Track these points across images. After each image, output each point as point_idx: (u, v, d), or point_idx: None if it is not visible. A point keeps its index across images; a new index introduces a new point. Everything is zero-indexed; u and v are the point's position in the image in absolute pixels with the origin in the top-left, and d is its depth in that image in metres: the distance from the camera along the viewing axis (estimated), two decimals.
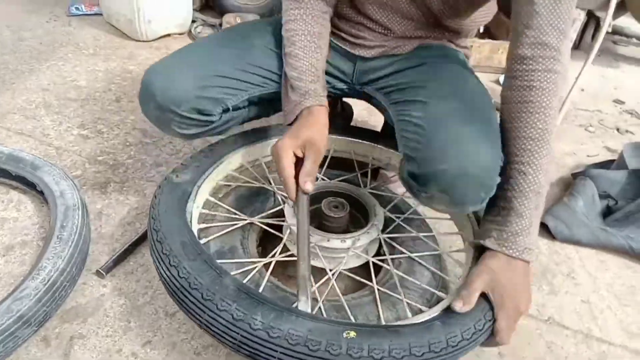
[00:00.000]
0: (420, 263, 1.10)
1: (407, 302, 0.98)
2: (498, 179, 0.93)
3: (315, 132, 0.97)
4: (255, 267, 1.01)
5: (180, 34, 2.40)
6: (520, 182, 0.91)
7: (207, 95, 1.05)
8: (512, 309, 0.88)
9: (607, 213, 1.47)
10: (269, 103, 1.18)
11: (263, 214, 1.17)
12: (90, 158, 1.46)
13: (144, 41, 2.28)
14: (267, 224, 1.15)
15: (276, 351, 0.77)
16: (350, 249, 1.05)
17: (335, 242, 1.05)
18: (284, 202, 1.16)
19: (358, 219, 1.19)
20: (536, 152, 0.91)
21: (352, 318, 0.94)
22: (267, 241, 1.19)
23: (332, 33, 1.16)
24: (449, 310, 0.88)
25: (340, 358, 0.75)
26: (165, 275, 0.87)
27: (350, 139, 1.34)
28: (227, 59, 1.09)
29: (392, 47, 1.15)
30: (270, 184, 1.23)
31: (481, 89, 1.09)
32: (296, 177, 0.94)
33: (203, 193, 1.11)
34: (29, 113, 1.64)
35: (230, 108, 1.11)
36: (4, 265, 1.12)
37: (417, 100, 1.03)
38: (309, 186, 0.93)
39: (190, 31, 2.43)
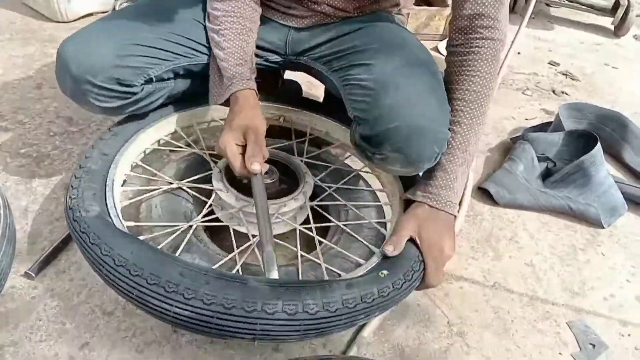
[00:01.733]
0: (345, 231, 1.09)
1: (326, 267, 0.98)
2: (448, 134, 0.95)
3: (248, 117, 0.98)
4: (178, 230, 0.99)
5: (103, 12, 2.26)
6: (449, 140, 0.96)
7: (127, 64, 1.00)
8: (438, 252, 0.95)
9: (546, 175, 1.49)
10: (196, 76, 1.14)
11: (190, 179, 1.12)
12: (12, 151, 1.36)
13: (64, 22, 2.13)
14: (196, 189, 1.11)
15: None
16: (275, 215, 1.03)
17: None
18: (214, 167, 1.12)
19: (290, 188, 1.15)
20: (467, 113, 0.97)
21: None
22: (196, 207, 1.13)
23: (262, 4, 1.11)
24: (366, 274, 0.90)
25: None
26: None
27: (288, 107, 1.32)
28: (150, 28, 1.04)
29: (326, 16, 1.11)
30: (201, 149, 1.20)
31: (420, 45, 1.10)
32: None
33: (128, 158, 1.08)
34: None
35: (154, 78, 1.05)
36: None
37: (361, 63, 1.02)
38: (255, 166, 0.94)
39: (114, 9, 2.30)
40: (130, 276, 0.78)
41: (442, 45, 2.27)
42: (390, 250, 0.93)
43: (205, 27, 1.09)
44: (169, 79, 1.11)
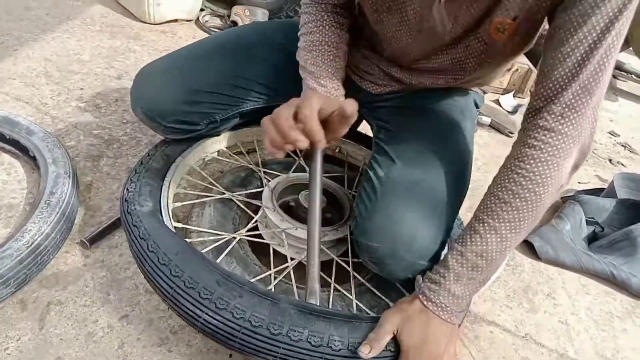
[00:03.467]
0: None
1: (357, 304, 0.98)
2: (428, 264, 0.89)
3: (314, 96, 0.87)
4: (222, 239, 1.02)
5: (187, 20, 2.40)
6: (466, 238, 0.82)
7: (195, 110, 1.05)
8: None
9: (592, 239, 1.48)
10: (262, 113, 1.14)
11: (242, 192, 1.16)
12: (86, 131, 1.45)
13: (151, 23, 2.27)
14: (245, 203, 1.15)
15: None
16: None
17: (303, 232, 1.04)
18: (265, 186, 1.16)
19: (334, 218, 1.18)
20: (496, 214, 0.80)
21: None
22: (243, 219, 1.17)
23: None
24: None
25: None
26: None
27: (342, 138, 1.34)
28: (221, 72, 1.06)
29: (402, 88, 1.12)
30: (257, 164, 1.24)
31: (461, 157, 1.02)
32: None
33: (187, 162, 1.12)
34: (29, 80, 1.63)
35: (219, 120, 1.10)
36: None
37: (390, 154, 1.00)
38: (301, 142, 0.81)
39: (197, 19, 2.43)
40: (170, 276, 0.82)
41: (504, 100, 2.29)
42: (366, 351, 0.78)
43: (274, 66, 1.11)
44: (234, 118, 1.15)
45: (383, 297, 1.01)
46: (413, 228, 0.88)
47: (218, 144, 1.23)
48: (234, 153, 1.26)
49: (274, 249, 1.06)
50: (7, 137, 1.26)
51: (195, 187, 1.17)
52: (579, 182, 1.84)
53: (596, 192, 1.68)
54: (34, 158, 1.22)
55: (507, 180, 0.80)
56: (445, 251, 0.89)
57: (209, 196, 1.13)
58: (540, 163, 0.78)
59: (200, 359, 0.95)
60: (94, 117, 1.52)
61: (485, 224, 0.81)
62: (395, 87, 1.11)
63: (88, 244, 1.10)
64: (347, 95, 1.09)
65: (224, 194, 1.14)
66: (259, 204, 1.12)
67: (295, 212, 1.11)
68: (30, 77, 1.65)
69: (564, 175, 0.79)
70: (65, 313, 0.97)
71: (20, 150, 1.26)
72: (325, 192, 1.17)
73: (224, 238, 1.03)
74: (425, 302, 0.82)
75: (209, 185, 1.17)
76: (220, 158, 1.26)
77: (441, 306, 0.81)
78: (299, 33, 1.04)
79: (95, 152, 1.38)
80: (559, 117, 0.77)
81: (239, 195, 1.15)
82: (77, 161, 1.33)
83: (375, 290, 1.03)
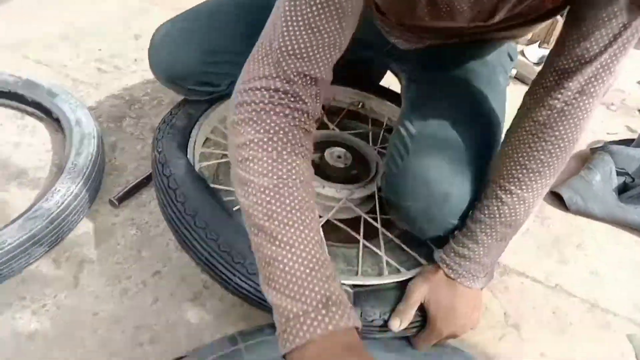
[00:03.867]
0: None
1: (387, 260, 0.97)
2: (459, 222, 0.86)
3: None
4: None
5: None
6: (494, 210, 0.80)
7: (215, 71, 1.01)
8: (438, 329, 0.82)
9: (622, 189, 1.45)
10: None
11: None
12: (107, 92, 1.44)
13: None
14: None
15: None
16: (343, 200, 1.04)
17: (330, 190, 1.03)
18: None
19: (360, 174, 1.15)
20: (525, 184, 0.78)
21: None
22: None
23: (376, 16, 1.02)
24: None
25: None
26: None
27: (365, 93, 1.32)
28: (239, 30, 1.00)
29: (432, 44, 1.04)
30: None
31: (494, 114, 0.97)
32: None
33: (210, 121, 1.10)
34: (48, 43, 1.61)
35: None
36: (17, 188, 1.12)
37: (421, 111, 0.95)
38: None
39: None
40: (206, 239, 0.82)
41: (529, 51, 2.22)
42: (396, 325, 0.81)
43: None
44: None
45: (412, 253, 1.01)
46: (446, 187, 0.85)
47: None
48: None
49: None
50: (30, 100, 1.26)
51: (219, 146, 1.16)
52: (607, 133, 1.79)
53: (626, 142, 1.63)
54: (57, 120, 1.22)
55: (536, 149, 0.76)
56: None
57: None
58: (572, 129, 0.74)
59: (234, 312, 0.96)
60: (114, 78, 1.51)
61: (514, 195, 0.78)
62: (428, 42, 1.04)
63: (117, 202, 1.10)
64: (374, 47, 1.08)
65: None
66: None
67: (322, 170, 1.09)
68: (49, 39, 1.64)
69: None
70: (98, 270, 0.99)
71: (43, 112, 1.26)
72: (350, 148, 1.16)
73: None
74: (452, 275, 0.82)
75: None
76: None
77: (468, 276, 0.82)
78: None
79: (118, 113, 1.38)
80: (592, 79, 0.71)
81: None
82: (100, 122, 1.32)
83: (404, 246, 1.02)
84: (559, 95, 0.73)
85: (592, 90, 0.72)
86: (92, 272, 0.98)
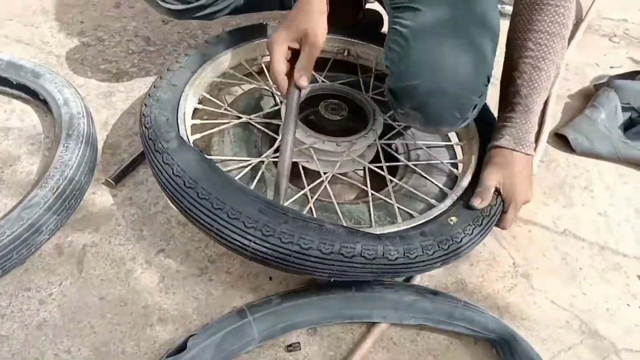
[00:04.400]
0: (416, 171, 1.08)
1: (398, 207, 0.97)
2: (478, 100, 0.87)
3: (311, 21, 0.88)
4: (250, 165, 0.99)
5: None
6: (535, 78, 0.93)
7: None
8: (519, 200, 0.97)
9: (629, 125, 1.41)
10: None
11: (259, 114, 1.12)
12: (93, 67, 1.40)
13: None
14: (264, 124, 1.11)
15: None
16: (345, 153, 1.02)
17: (330, 145, 1.01)
18: (281, 103, 1.11)
19: (358, 124, 1.13)
20: (552, 47, 0.92)
21: (342, 219, 0.93)
22: (265, 142, 1.12)
23: None
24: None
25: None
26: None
27: (349, 39, 1.28)
28: None
29: None
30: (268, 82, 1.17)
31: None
32: (291, 72, 0.90)
33: (196, 90, 1.07)
34: (26, 20, 1.55)
35: None
36: (11, 175, 1.10)
37: (411, 6, 0.91)
38: (303, 81, 0.89)
39: None
40: (213, 209, 0.80)
41: None
42: (478, 202, 0.93)
43: None
44: None
45: (423, 196, 1.00)
46: (453, 57, 0.84)
47: (222, 65, 1.15)
48: (243, 75, 1.19)
49: (303, 167, 1.04)
50: (14, 83, 1.22)
51: (209, 116, 1.12)
52: (611, 67, 1.73)
53: (631, 75, 1.58)
54: (44, 101, 1.18)
55: (550, 14, 0.90)
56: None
57: (226, 122, 1.08)
58: None
59: (242, 285, 0.96)
60: (99, 50, 1.46)
61: (546, 60, 0.92)
62: None
63: (113, 182, 1.08)
64: None
65: (241, 118, 1.09)
66: (279, 123, 1.08)
67: (319, 125, 1.07)
68: (27, 15, 1.58)
69: None
70: (101, 254, 0.98)
71: (30, 94, 1.22)
72: (344, 99, 1.12)
73: (252, 163, 0.99)
74: (515, 147, 0.96)
75: (224, 112, 1.11)
76: (230, 81, 1.21)
77: (529, 145, 0.97)
78: None
79: (106, 88, 1.34)
80: None
81: (256, 117, 1.10)
82: (89, 99, 1.29)
83: (413, 190, 1.02)
84: None
85: None
86: (96, 256, 0.97)
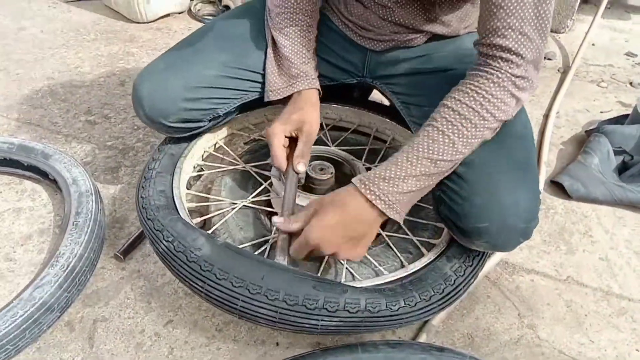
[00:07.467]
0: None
1: (417, 240, 1.02)
2: (537, 223, 0.90)
3: (306, 114, 0.99)
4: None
5: (180, 13, 2.37)
6: (422, 143, 0.82)
7: (196, 107, 1.04)
8: (313, 239, 0.81)
9: (622, 169, 1.45)
10: (261, 102, 1.11)
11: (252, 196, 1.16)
12: (100, 144, 1.46)
13: (144, 22, 2.25)
14: (261, 174, 1.19)
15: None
16: None
17: (305, 200, 1.02)
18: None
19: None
20: (456, 129, 0.81)
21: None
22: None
23: (338, 19, 1.11)
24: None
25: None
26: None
27: (350, 108, 1.34)
28: (218, 65, 1.04)
29: (403, 40, 1.06)
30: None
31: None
32: (290, 155, 0.99)
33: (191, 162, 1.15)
34: (36, 102, 1.64)
35: (222, 115, 1.10)
36: (23, 254, 1.13)
37: None
38: (300, 167, 0.97)
39: (190, 9, 2.40)
40: (201, 271, 0.84)
41: None
42: (280, 221, 0.86)
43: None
44: (235, 111, 1.14)
45: (436, 224, 1.07)
46: (514, 192, 0.86)
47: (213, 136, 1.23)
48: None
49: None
50: (26, 164, 1.27)
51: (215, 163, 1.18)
52: (601, 112, 1.78)
53: (620, 119, 1.63)
54: (54, 181, 1.23)
55: (466, 98, 0.82)
56: None
57: (225, 168, 1.19)
58: (500, 91, 0.81)
59: (249, 352, 0.97)
60: (105, 128, 1.53)
61: (445, 135, 0.81)
62: (395, 40, 1.06)
63: (122, 256, 1.12)
64: (354, 66, 1.14)
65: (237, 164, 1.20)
66: (268, 174, 1.14)
67: (306, 184, 1.10)
68: (37, 98, 1.66)
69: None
70: (112, 328, 1.00)
71: (40, 175, 1.28)
72: (336, 162, 1.16)
73: (236, 206, 1.09)
74: (358, 186, 0.82)
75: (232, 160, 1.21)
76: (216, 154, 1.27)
77: (379, 193, 0.80)
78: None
79: (113, 163, 1.39)
80: (511, 64, 0.81)
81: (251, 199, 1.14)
82: (96, 176, 1.34)
83: (425, 221, 1.08)
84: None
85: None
86: (107, 330, 0.99)
